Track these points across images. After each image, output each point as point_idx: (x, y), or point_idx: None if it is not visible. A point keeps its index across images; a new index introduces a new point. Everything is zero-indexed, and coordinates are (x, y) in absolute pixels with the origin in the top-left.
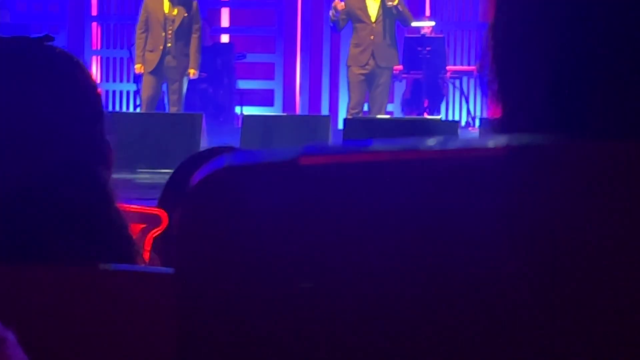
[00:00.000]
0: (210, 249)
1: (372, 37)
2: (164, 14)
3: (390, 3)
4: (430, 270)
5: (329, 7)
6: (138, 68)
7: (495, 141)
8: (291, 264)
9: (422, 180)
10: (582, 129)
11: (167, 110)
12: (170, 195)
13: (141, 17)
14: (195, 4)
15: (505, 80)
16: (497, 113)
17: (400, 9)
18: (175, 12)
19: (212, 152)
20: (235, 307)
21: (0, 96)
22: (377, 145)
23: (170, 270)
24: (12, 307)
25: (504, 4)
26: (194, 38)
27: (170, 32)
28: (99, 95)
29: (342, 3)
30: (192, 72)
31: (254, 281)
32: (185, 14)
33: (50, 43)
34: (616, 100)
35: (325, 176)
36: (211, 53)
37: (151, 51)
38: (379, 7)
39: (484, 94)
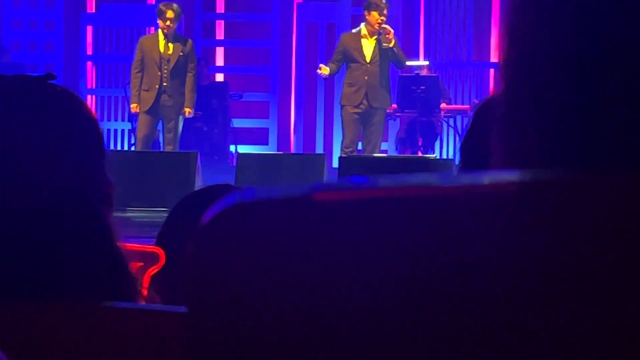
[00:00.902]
0: (223, 286)
1: (366, 78)
2: (160, 53)
3: (386, 45)
4: (443, 306)
5: (323, 46)
6: (133, 107)
7: (508, 177)
8: (307, 301)
9: (436, 216)
10: (596, 164)
11: (162, 149)
12: (168, 234)
13: (136, 57)
14: (190, 43)
15: (516, 117)
16: (506, 147)
17: (396, 51)
18: (170, 51)
19: (209, 191)
20: (249, 345)
21: (3, 134)
22: (391, 181)
23: (182, 308)
24: (15, 343)
25: (517, 43)
26: (190, 77)
27: (165, 71)
28: (100, 134)
29: (323, 68)
30: (188, 111)
31: (269, 319)
32: (181, 53)
33: (51, 81)
34: (630, 136)
35: (340, 212)
36: (206, 92)
37: (147, 90)
38: (375, 47)
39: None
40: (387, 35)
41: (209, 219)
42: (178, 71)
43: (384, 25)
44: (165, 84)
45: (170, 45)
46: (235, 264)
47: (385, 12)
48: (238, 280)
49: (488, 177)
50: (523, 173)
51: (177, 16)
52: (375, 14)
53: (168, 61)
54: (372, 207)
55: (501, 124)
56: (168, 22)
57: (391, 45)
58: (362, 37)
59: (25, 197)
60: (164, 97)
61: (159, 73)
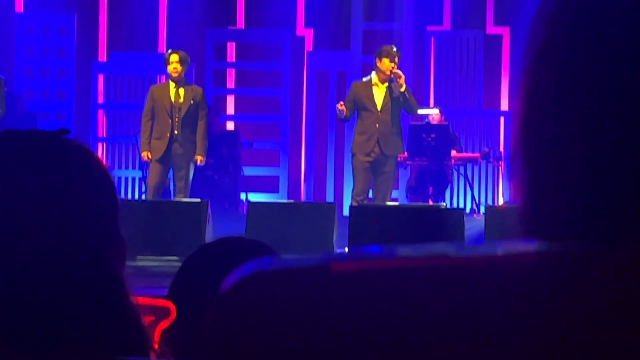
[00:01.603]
0: (242, 355)
1: (377, 125)
2: (171, 101)
3: (397, 90)
4: None
5: (333, 94)
6: (144, 156)
7: (527, 248)
8: None
9: (454, 287)
10: (616, 235)
11: (172, 197)
12: (180, 288)
13: (147, 105)
14: (201, 91)
15: (536, 175)
16: (524, 206)
17: (407, 97)
18: (181, 99)
19: (221, 244)
20: None
21: (17, 189)
22: (409, 251)
23: None
24: None
25: (537, 95)
26: (201, 125)
27: (177, 119)
28: (114, 188)
29: (342, 104)
30: (199, 159)
31: None
32: (192, 101)
33: (66, 136)
34: None
35: (358, 282)
36: (217, 140)
37: (158, 139)
38: (386, 95)
39: (511, 184)
40: (398, 80)
41: (227, 288)
42: (189, 119)
43: (395, 70)
44: (176, 132)
45: (181, 93)
46: (254, 333)
47: (396, 59)
48: (256, 350)
49: (505, 248)
50: (543, 244)
51: (184, 61)
52: (386, 61)
53: (179, 109)
54: (390, 278)
55: (522, 190)
56: (174, 66)
57: (402, 90)
58: (373, 85)
59: (38, 252)
60: (175, 145)
61: (170, 121)
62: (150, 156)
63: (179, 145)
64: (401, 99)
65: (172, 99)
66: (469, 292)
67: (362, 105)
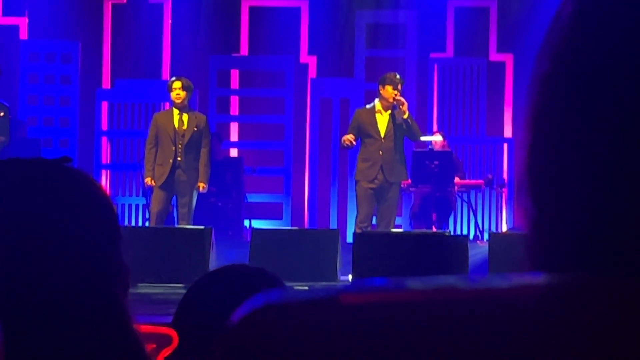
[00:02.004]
0: None
1: (381, 153)
2: (174, 128)
3: (400, 117)
4: None
5: (337, 121)
6: (148, 181)
7: (536, 280)
8: None
9: (463, 320)
10: (623, 266)
11: (176, 224)
12: (184, 315)
13: (151, 132)
14: (204, 118)
15: (542, 205)
16: (530, 236)
17: (410, 123)
18: (185, 126)
19: (224, 271)
20: None
21: (19, 219)
22: (418, 283)
23: None
24: None
25: (543, 126)
26: (204, 152)
27: (180, 146)
28: (116, 217)
29: (348, 139)
30: (202, 186)
31: None
32: (195, 128)
33: (67, 164)
34: None
35: (368, 315)
36: (220, 167)
37: (161, 165)
38: (389, 122)
39: (518, 214)
40: (401, 107)
41: (236, 320)
42: (192, 146)
43: (398, 97)
44: (179, 158)
45: (185, 120)
46: None
47: (399, 87)
48: None
49: (514, 281)
50: (550, 277)
51: (187, 88)
52: (389, 88)
53: (182, 136)
54: (399, 311)
55: (528, 221)
56: (177, 92)
57: (405, 117)
58: (376, 112)
59: (40, 280)
60: (178, 172)
61: (173, 148)
62: (153, 182)
63: (182, 172)
64: (404, 126)
65: (176, 125)
66: (479, 325)
67: (366, 132)
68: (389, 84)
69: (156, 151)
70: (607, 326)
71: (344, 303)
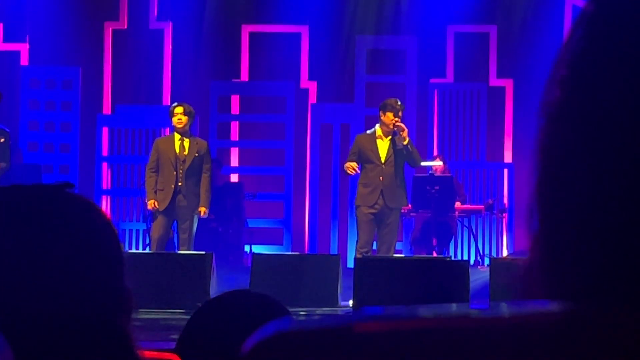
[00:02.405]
0: None
1: (381, 178)
2: (175, 154)
3: (400, 143)
4: None
5: (337, 146)
6: (151, 204)
7: (548, 308)
8: None
9: (475, 347)
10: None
11: (176, 249)
12: (188, 341)
13: (152, 157)
14: (206, 144)
15: (551, 234)
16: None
17: (410, 150)
18: (186, 151)
19: (229, 297)
20: None
21: (21, 244)
22: (431, 311)
23: None
24: None
25: (553, 155)
26: (205, 177)
27: (181, 171)
28: (118, 242)
29: (351, 167)
30: (203, 211)
31: None
32: (196, 154)
33: (69, 190)
34: None
35: (382, 344)
36: (221, 192)
37: (162, 190)
38: (389, 148)
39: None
40: (401, 133)
41: (248, 350)
42: (193, 171)
43: (398, 123)
44: (180, 184)
45: (186, 145)
46: None
47: (400, 113)
48: None
49: (526, 308)
50: (564, 305)
51: (188, 113)
52: (390, 114)
53: (183, 162)
54: (413, 339)
55: (538, 248)
56: (179, 117)
57: (405, 143)
58: (377, 137)
59: (43, 306)
60: (179, 197)
61: (175, 173)
62: (157, 205)
63: (183, 197)
64: (404, 152)
65: (177, 151)
66: (491, 353)
67: (366, 157)
68: (390, 111)
69: (157, 176)
70: (618, 355)
71: (357, 331)
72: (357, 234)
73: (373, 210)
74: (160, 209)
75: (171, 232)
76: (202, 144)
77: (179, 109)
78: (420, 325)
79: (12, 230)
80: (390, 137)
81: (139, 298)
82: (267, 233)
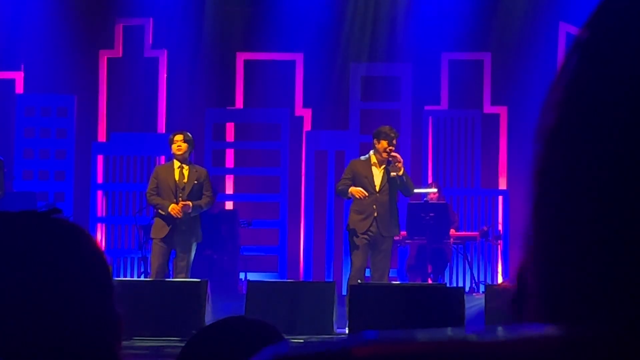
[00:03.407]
0: None
1: (375, 207)
2: (175, 181)
3: (394, 174)
4: None
5: (332, 173)
6: (173, 209)
7: (547, 332)
8: None
9: None
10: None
11: (172, 277)
12: None
13: (151, 184)
14: (205, 172)
15: (548, 257)
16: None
17: (405, 180)
18: (185, 180)
19: (222, 324)
20: None
21: (9, 272)
22: (429, 335)
23: None
24: None
25: (548, 179)
26: (204, 198)
27: (181, 198)
28: (107, 267)
29: (363, 191)
30: (190, 204)
31: None
32: (196, 181)
33: (57, 215)
34: None
35: None
36: (216, 220)
37: (162, 218)
38: (384, 176)
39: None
40: (396, 164)
41: None
42: (193, 199)
43: (393, 154)
44: None
45: (185, 173)
46: None
47: (394, 141)
48: None
49: (525, 333)
50: (562, 329)
51: (188, 141)
52: (384, 142)
53: (183, 189)
54: None
55: (535, 272)
56: (178, 144)
57: (400, 173)
58: (371, 165)
59: (32, 333)
60: (179, 224)
61: (174, 200)
62: (177, 206)
63: (183, 225)
64: (398, 182)
65: (177, 178)
66: None
67: (361, 184)
68: (384, 139)
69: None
70: None
71: (356, 355)
72: (351, 260)
73: (366, 237)
74: (160, 237)
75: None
76: (202, 171)
77: (179, 137)
78: (418, 349)
79: (1, 257)
80: (384, 165)
81: (134, 326)
82: (262, 260)
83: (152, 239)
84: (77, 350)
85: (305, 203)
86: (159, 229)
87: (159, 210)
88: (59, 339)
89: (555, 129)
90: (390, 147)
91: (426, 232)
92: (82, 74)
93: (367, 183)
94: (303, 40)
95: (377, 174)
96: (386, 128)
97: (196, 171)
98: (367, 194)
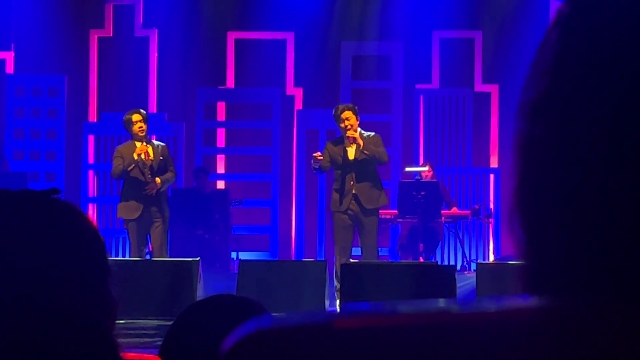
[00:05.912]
0: None
1: (352, 183)
2: (142, 160)
3: (359, 152)
4: None
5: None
6: (140, 149)
7: (528, 304)
8: None
9: (457, 343)
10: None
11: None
12: (171, 345)
13: (116, 162)
14: (166, 147)
15: (533, 232)
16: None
17: (368, 153)
18: (151, 157)
19: (212, 302)
20: None
21: (6, 250)
22: (411, 308)
23: None
24: None
25: (532, 152)
26: (170, 171)
27: (149, 176)
28: (104, 248)
29: (320, 154)
30: (158, 180)
31: None
32: (161, 158)
33: (56, 196)
34: None
35: (362, 340)
36: (207, 199)
37: (133, 199)
38: (356, 151)
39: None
40: (353, 143)
41: (228, 347)
42: (159, 175)
43: (348, 134)
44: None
45: (150, 151)
46: None
47: (344, 118)
48: None
49: (506, 304)
50: (543, 300)
51: (145, 118)
52: (340, 125)
53: (151, 167)
54: (393, 335)
55: (520, 247)
56: (140, 125)
57: (362, 148)
58: (344, 144)
59: (27, 311)
60: (150, 201)
61: (143, 179)
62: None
63: (152, 203)
64: (366, 156)
65: (142, 157)
66: (471, 348)
67: (336, 163)
68: (337, 121)
69: (124, 181)
70: (600, 349)
71: (337, 327)
72: (334, 239)
73: (347, 216)
74: (134, 217)
75: (146, 239)
76: (164, 147)
77: (137, 117)
78: (401, 322)
79: None
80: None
81: (126, 305)
82: (253, 240)
83: (125, 220)
84: (71, 329)
85: (297, 182)
86: (131, 211)
87: (130, 172)
88: (53, 319)
89: (537, 103)
90: (342, 125)
91: (417, 211)
92: (73, 54)
93: (341, 161)
94: (294, 19)
95: (351, 151)
96: (336, 109)
97: (159, 147)
98: (322, 156)
